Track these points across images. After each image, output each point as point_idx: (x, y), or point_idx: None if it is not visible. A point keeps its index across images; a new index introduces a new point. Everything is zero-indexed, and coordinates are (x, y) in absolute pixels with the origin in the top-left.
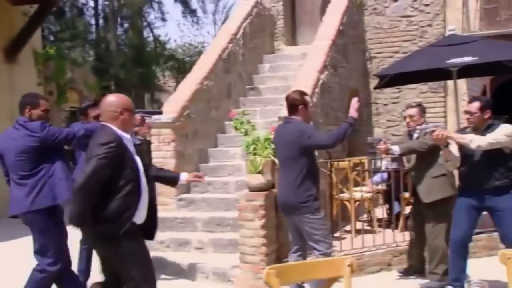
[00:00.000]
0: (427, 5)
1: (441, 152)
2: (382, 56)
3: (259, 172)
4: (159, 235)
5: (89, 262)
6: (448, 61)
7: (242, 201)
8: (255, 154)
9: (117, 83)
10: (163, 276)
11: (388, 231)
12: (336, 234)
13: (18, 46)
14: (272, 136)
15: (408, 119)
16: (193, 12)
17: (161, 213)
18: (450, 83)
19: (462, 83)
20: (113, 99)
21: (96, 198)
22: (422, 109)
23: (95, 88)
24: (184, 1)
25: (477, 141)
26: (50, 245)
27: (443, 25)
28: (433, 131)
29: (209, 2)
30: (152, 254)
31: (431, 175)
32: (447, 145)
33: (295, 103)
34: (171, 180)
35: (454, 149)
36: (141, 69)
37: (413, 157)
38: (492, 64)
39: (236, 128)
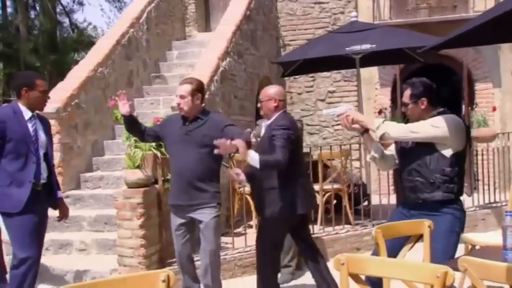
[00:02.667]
0: None
1: None
2: (296, 43)
3: (138, 167)
4: None
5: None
6: (347, 48)
7: (120, 199)
8: (136, 146)
9: (26, 70)
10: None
11: None
12: (239, 230)
13: None
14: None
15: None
16: None
17: None
18: (363, 72)
19: (374, 71)
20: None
21: None
22: None
23: None
24: None
25: (385, 127)
26: None
27: (357, 14)
28: (340, 114)
29: None
30: None
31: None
32: (363, 132)
33: None
34: None
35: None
36: (55, 56)
37: None
38: (395, 52)
39: (116, 119)
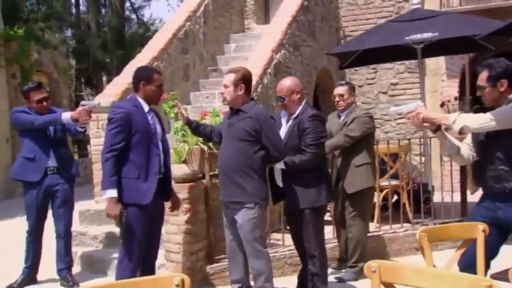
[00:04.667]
0: None
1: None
2: (357, 34)
3: (184, 162)
4: (91, 229)
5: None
6: (407, 37)
7: None
8: (184, 141)
9: (96, 66)
10: (88, 273)
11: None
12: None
13: None
14: (205, 121)
15: (337, 98)
16: None
17: (98, 205)
18: (429, 62)
19: (441, 62)
20: None
21: None
22: (352, 87)
23: (67, 70)
24: None
25: (463, 120)
26: None
27: (421, 0)
28: (410, 112)
29: None
30: (84, 249)
31: (355, 164)
32: (436, 129)
33: None
34: None
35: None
36: (122, 51)
37: None
38: (463, 41)
39: (165, 113)
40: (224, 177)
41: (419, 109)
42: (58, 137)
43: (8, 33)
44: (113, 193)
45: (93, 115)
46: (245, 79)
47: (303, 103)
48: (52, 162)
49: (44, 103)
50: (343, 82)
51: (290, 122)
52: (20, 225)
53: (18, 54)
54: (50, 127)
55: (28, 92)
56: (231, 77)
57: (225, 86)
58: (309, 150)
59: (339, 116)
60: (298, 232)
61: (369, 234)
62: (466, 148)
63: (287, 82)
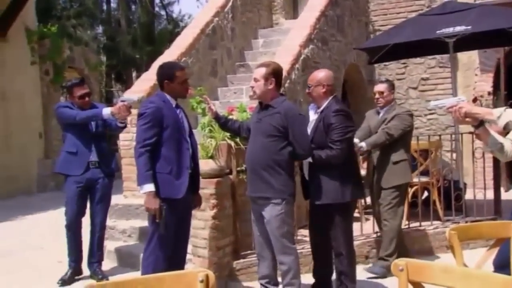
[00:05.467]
0: None
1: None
2: (387, 29)
3: (211, 157)
4: (120, 223)
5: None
6: (439, 31)
7: None
8: (211, 137)
9: (125, 62)
10: (117, 267)
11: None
12: None
13: (6, 22)
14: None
15: (377, 95)
16: None
17: (127, 200)
18: (461, 56)
19: (474, 56)
20: None
21: None
22: (392, 85)
23: (97, 66)
24: None
25: (509, 116)
26: None
27: None
28: (451, 106)
29: None
30: (113, 243)
31: (393, 161)
32: (479, 125)
33: None
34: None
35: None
36: (151, 47)
37: None
38: (497, 34)
39: (192, 108)
40: (252, 173)
41: (461, 104)
42: (99, 132)
43: (42, 30)
44: (150, 187)
45: None
46: (275, 73)
47: (330, 98)
48: (93, 157)
49: (86, 99)
50: (383, 79)
51: (317, 116)
52: (52, 218)
53: (51, 51)
54: (92, 123)
55: (71, 87)
56: (262, 71)
57: (255, 80)
58: (335, 146)
59: (378, 113)
60: (319, 228)
61: None
62: (510, 144)
63: (318, 74)
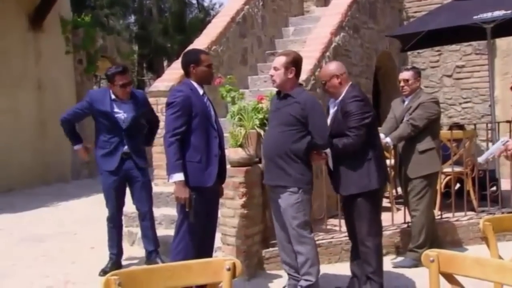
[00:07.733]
0: None
1: None
2: (421, 15)
3: (240, 146)
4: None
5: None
6: (475, 17)
7: None
8: (241, 125)
9: (157, 51)
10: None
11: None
12: None
13: (42, 12)
14: (261, 105)
15: (402, 83)
16: None
17: (157, 188)
18: (500, 43)
19: None
20: None
21: None
22: (417, 72)
23: (129, 55)
24: None
25: None
26: None
27: None
28: (504, 150)
29: None
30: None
31: (419, 150)
32: None
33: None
34: None
35: None
36: (182, 36)
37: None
38: None
39: (222, 97)
40: (268, 161)
41: (508, 144)
42: (131, 126)
43: (76, 20)
44: (179, 176)
45: (153, 99)
46: (296, 62)
47: (347, 86)
48: (126, 148)
49: (127, 88)
50: (408, 67)
51: (336, 107)
52: (84, 205)
53: (84, 40)
54: (121, 117)
55: (113, 76)
56: (282, 59)
57: (275, 69)
58: (352, 133)
59: (403, 102)
60: (350, 218)
61: None
62: None
63: (329, 67)
